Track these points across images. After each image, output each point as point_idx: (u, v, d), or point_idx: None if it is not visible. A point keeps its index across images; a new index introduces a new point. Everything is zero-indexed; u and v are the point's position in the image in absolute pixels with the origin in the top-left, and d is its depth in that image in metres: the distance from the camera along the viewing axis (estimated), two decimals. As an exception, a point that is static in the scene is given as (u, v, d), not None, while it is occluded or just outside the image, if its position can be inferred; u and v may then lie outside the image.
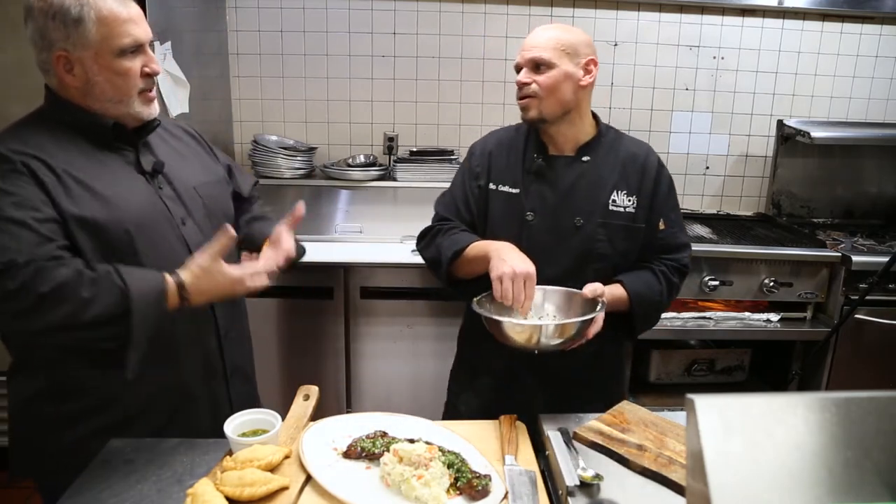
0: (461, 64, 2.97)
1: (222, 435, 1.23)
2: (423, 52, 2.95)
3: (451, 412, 1.78)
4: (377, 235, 2.76)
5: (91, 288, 1.14)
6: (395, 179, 2.86)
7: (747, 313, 2.59)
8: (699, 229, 2.78)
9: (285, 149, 2.84)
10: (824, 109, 3.09)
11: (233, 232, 1.24)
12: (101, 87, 1.25)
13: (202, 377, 1.43)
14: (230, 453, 1.21)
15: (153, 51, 1.34)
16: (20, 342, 1.31)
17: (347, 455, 1.23)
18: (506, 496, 1.13)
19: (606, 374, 1.73)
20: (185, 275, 1.23)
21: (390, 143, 2.95)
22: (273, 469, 1.17)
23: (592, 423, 1.32)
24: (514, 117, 1.67)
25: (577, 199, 1.57)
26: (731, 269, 2.49)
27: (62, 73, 1.24)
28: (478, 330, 1.51)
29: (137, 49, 1.27)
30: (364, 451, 1.22)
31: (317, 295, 2.47)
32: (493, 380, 1.67)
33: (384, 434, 1.27)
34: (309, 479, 1.17)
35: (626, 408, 1.39)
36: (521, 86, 1.54)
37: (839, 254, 2.50)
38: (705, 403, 0.64)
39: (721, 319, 2.57)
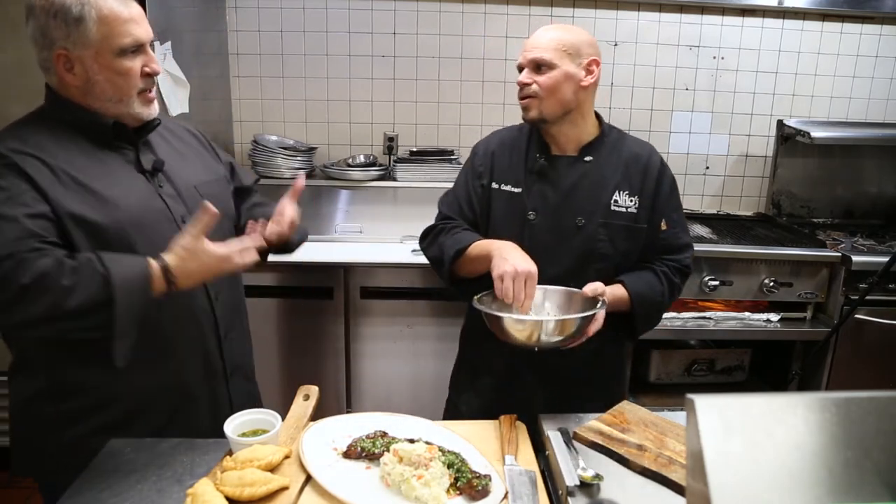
0: (461, 64, 2.97)
1: (222, 435, 1.23)
2: (423, 52, 2.95)
3: (452, 411, 1.78)
4: (377, 235, 2.77)
5: (72, 276, 1.12)
6: (395, 179, 2.86)
7: (747, 313, 2.59)
8: (699, 229, 2.78)
9: (285, 149, 2.84)
10: (824, 109, 3.09)
11: (214, 209, 1.20)
12: (101, 87, 1.25)
13: (202, 377, 1.42)
14: (230, 453, 1.21)
15: (153, 51, 1.34)
16: (18, 341, 1.31)
17: (347, 455, 1.23)
18: (506, 496, 1.13)
19: (607, 374, 1.73)
20: (170, 258, 1.20)
21: (390, 143, 2.95)
22: (273, 469, 1.17)
23: (592, 423, 1.32)
24: (513, 117, 1.67)
25: (578, 199, 1.57)
26: (731, 269, 2.49)
27: (62, 71, 1.24)
28: (479, 329, 1.51)
29: (138, 49, 1.27)
30: (364, 451, 1.22)
31: (317, 295, 2.47)
32: (495, 379, 1.68)
33: (384, 434, 1.27)
34: (309, 479, 1.17)
35: (626, 408, 1.39)
36: (522, 86, 1.55)
37: (839, 254, 2.50)
38: (705, 403, 0.64)
39: (721, 319, 2.57)
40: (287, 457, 1.22)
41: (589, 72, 1.53)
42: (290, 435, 1.29)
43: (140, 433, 1.32)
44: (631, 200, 1.58)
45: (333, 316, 2.48)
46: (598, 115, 1.63)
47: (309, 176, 2.87)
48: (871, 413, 0.65)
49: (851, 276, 2.46)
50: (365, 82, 2.98)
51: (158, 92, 2.05)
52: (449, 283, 1.64)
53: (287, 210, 1.45)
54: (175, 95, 2.25)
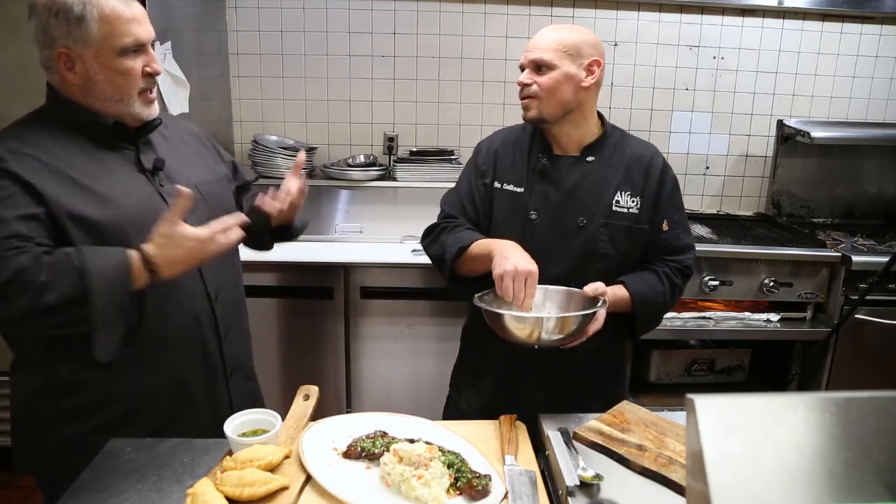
0: (461, 64, 2.97)
1: (222, 435, 1.23)
2: (423, 52, 2.96)
3: (453, 410, 1.78)
4: (377, 235, 2.77)
5: (49, 272, 1.11)
6: (395, 179, 2.86)
7: (747, 313, 2.59)
8: (699, 229, 2.78)
9: (285, 149, 2.84)
10: (824, 109, 3.09)
11: (189, 192, 1.18)
12: (102, 86, 1.26)
13: (202, 377, 1.42)
14: (230, 453, 1.21)
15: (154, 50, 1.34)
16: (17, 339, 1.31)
17: (347, 455, 1.22)
18: (506, 496, 1.13)
19: (607, 374, 1.73)
20: (148, 247, 1.18)
21: (390, 143, 2.95)
22: (273, 469, 1.17)
23: (592, 423, 1.32)
24: (514, 117, 1.68)
25: (580, 199, 1.57)
26: (731, 269, 2.49)
27: (63, 70, 1.24)
28: (480, 329, 1.51)
29: (139, 49, 1.27)
30: (364, 451, 1.22)
31: (317, 295, 2.47)
32: (495, 378, 1.68)
33: (384, 434, 1.27)
34: (309, 479, 1.17)
35: (626, 408, 1.39)
36: (522, 86, 1.55)
37: (839, 254, 2.50)
38: (705, 403, 0.64)
39: (721, 319, 2.57)
40: (287, 457, 1.22)
41: (590, 72, 1.53)
42: (290, 435, 1.29)
43: (140, 433, 1.32)
44: (633, 201, 1.58)
45: (333, 316, 2.48)
46: (600, 116, 1.63)
47: (309, 176, 2.87)
48: (871, 413, 0.65)
49: (851, 276, 2.46)
50: (365, 82, 2.98)
51: (158, 92, 2.05)
52: (450, 281, 1.64)
53: (293, 185, 1.47)
54: (175, 95, 2.25)
